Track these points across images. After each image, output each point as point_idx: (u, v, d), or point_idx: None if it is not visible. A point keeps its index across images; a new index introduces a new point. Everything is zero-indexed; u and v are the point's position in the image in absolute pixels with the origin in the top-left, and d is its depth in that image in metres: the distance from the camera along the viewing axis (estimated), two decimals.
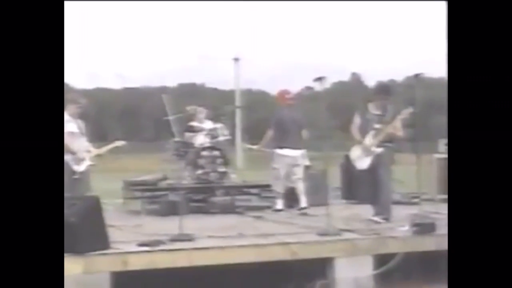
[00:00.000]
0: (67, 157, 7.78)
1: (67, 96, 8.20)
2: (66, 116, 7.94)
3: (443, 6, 4.15)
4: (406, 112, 7.76)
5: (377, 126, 7.89)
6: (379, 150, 7.84)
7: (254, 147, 11.02)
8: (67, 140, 7.80)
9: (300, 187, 9.55)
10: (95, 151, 8.26)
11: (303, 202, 9.42)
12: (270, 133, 9.72)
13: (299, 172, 9.60)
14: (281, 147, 9.52)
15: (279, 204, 9.58)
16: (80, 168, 7.92)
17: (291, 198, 9.72)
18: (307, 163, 9.96)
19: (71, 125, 7.97)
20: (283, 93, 9.86)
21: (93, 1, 77.84)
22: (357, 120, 8.13)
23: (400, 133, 7.85)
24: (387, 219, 7.70)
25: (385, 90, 8.43)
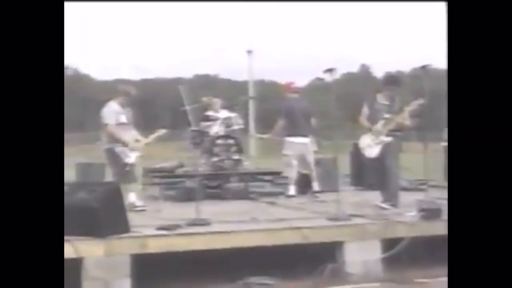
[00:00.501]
0: (118, 149, 7.92)
1: (117, 87, 8.36)
2: (117, 107, 8.05)
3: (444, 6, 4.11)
4: (416, 103, 7.83)
5: (386, 115, 7.99)
6: (388, 139, 7.94)
7: (265, 136, 11.29)
8: (118, 131, 7.93)
9: (313, 173, 9.85)
10: (143, 140, 8.34)
11: (316, 186, 9.72)
12: (280, 123, 9.99)
13: (310, 159, 9.88)
14: (291, 135, 9.81)
15: (291, 190, 9.79)
16: (131, 159, 8.02)
17: (303, 184, 9.95)
18: (315, 148, 10.24)
19: (121, 116, 8.06)
20: (288, 84, 10.27)
21: None
22: (366, 110, 8.22)
23: (408, 122, 7.93)
24: (394, 206, 7.82)
25: (393, 81, 8.53)
